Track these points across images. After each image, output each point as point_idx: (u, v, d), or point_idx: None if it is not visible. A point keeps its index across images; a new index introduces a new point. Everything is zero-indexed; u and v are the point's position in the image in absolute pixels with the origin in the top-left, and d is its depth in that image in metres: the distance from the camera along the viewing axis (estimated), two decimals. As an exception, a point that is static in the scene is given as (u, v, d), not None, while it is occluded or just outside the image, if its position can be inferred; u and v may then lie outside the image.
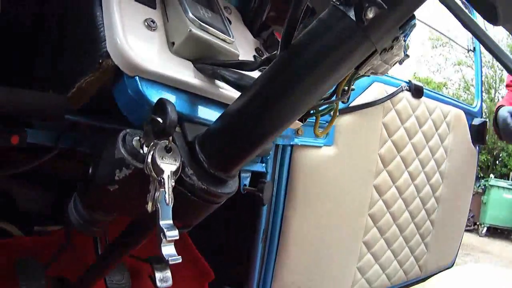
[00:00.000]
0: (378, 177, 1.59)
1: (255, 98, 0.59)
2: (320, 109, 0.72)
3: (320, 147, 1.37)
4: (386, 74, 0.66)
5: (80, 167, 1.11)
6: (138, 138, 0.62)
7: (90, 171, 0.66)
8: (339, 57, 0.53)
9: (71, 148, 0.86)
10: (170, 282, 1.28)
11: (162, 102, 0.60)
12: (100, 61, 0.66)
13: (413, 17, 0.53)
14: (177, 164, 0.60)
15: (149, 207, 0.59)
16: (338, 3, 0.51)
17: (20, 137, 0.76)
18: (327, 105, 0.72)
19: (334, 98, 0.69)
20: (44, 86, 0.75)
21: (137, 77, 0.66)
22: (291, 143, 1.29)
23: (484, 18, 0.51)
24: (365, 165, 1.52)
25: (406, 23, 0.53)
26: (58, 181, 1.21)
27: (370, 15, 0.48)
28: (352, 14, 0.50)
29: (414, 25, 0.55)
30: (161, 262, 1.30)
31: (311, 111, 0.72)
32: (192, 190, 0.62)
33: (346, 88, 0.69)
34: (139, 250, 1.31)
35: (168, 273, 1.29)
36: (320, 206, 1.41)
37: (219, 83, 0.76)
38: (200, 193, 0.62)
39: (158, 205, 0.58)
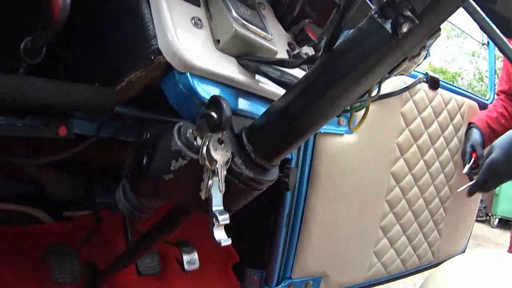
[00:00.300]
0: (396, 165, 1.64)
1: (300, 96, 0.64)
2: (354, 105, 0.78)
3: (342, 134, 1.42)
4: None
5: (111, 154, 1.15)
6: (191, 130, 0.67)
7: (144, 161, 0.71)
8: (375, 62, 0.59)
9: (111, 137, 0.91)
10: (197, 265, 1.34)
11: (216, 99, 0.64)
12: (152, 57, 0.69)
13: (440, 29, 0.59)
14: (229, 154, 0.65)
15: (203, 194, 0.64)
16: (376, 16, 0.57)
17: (67, 129, 0.80)
18: (360, 103, 0.78)
19: (366, 96, 0.75)
20: (91, 80, 0.77)
21: (188, 73, 0.70)
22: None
23: (500, 31, 0.57)
24: (383, 153, 1.58)
25: (434, 33, 0.58)
26: (85, 167, 1.24)
27: (404, 29, 0.54)
28: (388, 27, 0.55)
29: (440, 34, 0.60)
30: (188, 245, 1.35)
31: (347, 107, 0.78)
32: (240, 178, 0.67)
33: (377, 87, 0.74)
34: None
35: (195, 256, 1.35)
36: (341, 191, 1.47)
37: (261, 78, 0.81)
38: (247, 180, 0.68)
39: (211, 193, 0.63)
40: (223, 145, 0.65)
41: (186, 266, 1.32)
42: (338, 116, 1.38)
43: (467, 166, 1.81)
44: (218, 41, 0.77)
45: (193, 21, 0.74)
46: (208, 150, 0.63)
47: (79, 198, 1.29)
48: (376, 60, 0.58)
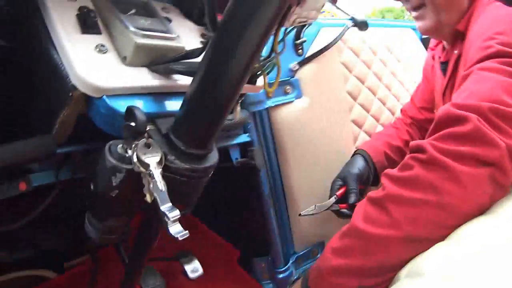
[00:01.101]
0: (353, 112, 1.68)
1: (204, 77, 0.69)
2: (264, 68, 0.82)
3: (292, 101, 1.45)
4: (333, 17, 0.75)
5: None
6: (121, 145, 0.72)
7: (91, 187, 0.76)
8: (259, 20, 0.62)
9: (71, 178, 0.95)
10: (200, 270, 1.39)
11: (129, 109, 0.70)
12: (70, 94, 0.75)
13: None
14: (159, 155, 0.70)
15: (148, 198, 0.69)
16: None
17: (27, 183, 0.86)
18: (270, 63, 0.82)
19: (273, 55, 0.79)
20: (30, 132, 0.82)
21: (104, 97, 0.75)
22: (266, 106, 1.37)
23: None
24: (338, 105, 1.61)
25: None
26: (68, 216, 1.28)
27: None
28: None
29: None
30: (187, 255, 1.39)
31: (258, 73, 0.82)
32: (179, 172, 0.72)
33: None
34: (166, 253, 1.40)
35: (196, 263, 1.40)
36: (311, 153, 1.50)
37: (175, 76, 0.85)
38: (186, 172, 0.72)
39: (155, 194, 0.68)
40: (151, 148, 0.70)
41: (190, 275, 1.36)
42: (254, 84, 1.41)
43: (324, 204, 1.41)
44: (125, 57, 0.81)
45: (97, 49, 0.79)
46: (138, 156, 0.68)
47: (72, 246, 1.33)
48: (258, 17, 0.62)
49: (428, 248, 0.84)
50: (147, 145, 0.69)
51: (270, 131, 1.42)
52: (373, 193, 0.93)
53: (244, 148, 1.31)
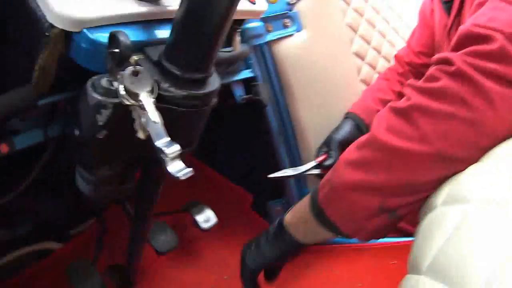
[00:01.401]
0: (354, 44, 1.61)
1: None
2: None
3: (292, 34, 1.39)
4: None
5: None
6: (105, 78, 0.64)
7: (76, 133, 0.68)
8: None
9: (64, 135, 0.88)
10: (213, 220, 1.32)
11: (112, 35, 0.62)
12: (47, 34, 0.67)
13: None
14: (150, 82, 0.62)
15: (141, 134, 0.61)
16: None
17: (9, 144, 0.79)
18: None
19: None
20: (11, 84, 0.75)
21: (84, 30, 0.68)
22: (266, 40, 1.31)
23: None
24: (338, 37, 1.54)
25: None
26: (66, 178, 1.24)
27: None
28: None
29: None
30: (197, 205, 1.33)
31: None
32: (176, 101, 0.65)
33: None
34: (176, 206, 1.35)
35: (208, 212, 1.32)
36: (315, 87, 1.44)
37: (164, 2, 0.77)
38: (183, 101, 0.65)
39: (149, 129, 0.60)
40: (139, 76, 0.61)
41: (203, 226, 1.30)
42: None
43: (301, 167, 1.35)
44: None
45: None
46: (125, 87, 0.60)
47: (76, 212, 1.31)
48: None
49: (459, 171, 0.75)
50: (135, 73, 0.61)
51: (273, 66, 1.36)
52: (395, 103, 0.83)
53: (248, 84, 1.26)
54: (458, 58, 0.74)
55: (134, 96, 0.60)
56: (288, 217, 0.95)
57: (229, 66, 1.18)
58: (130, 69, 0.61)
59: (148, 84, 0.61)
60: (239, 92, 1.24)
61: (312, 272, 1.35)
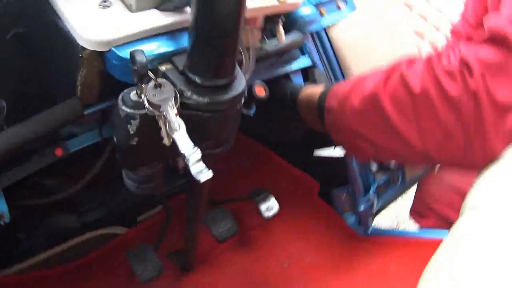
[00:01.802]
0: (411, 22, 1.54)
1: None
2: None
3: (347, 18, 1.35)
4: None
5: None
6: (135, 91, 0.69)
7: (114, 139, 0.76)
8: None
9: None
10: (276, 208, 1.35)
11: (131, 54, 0.67)
12: (81, 55, 0.74)
13: None
14: (171, 94, 0.65)
15: (166, 141, 0.66)
16: None
17: (63, 148, 0.88)
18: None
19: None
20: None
21: (112, 48, 0.73)
22: (323, 26, 1.29)
23: None
24: (394, 15, 1.49)
25: None
26: None
27: None
28: None
29: None
30: (262, 192, 1.36)
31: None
32: (199, 108, 0.68)
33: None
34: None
35: (272, 201, 1.36)
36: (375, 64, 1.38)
37: (188, 9, 0.78)
38: (206, 107, 0.69)
39: (173, 136, 0.64)
40: (162, 87, 0.66)
41: (265, 214, 1.32)
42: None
43: None
44: (131, 5, 0.77)
45: (100, 6, 0.76)
46: (148, 99, 0.65)
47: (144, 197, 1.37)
48: None
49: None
50: (157, 85, 0.66)
51: (332, 51, 1.33)
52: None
53: (301, 70, 1.25)
54: (478, 71, 0.74)
55: (156, 107, 0.64)
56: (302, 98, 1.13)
57: (281, 56, 1.18)
58: (152, 83, 0.66)
59: (170, 95, 0.65)
60: (298, 81, 1.23)
61: (369, 267, 1.34)
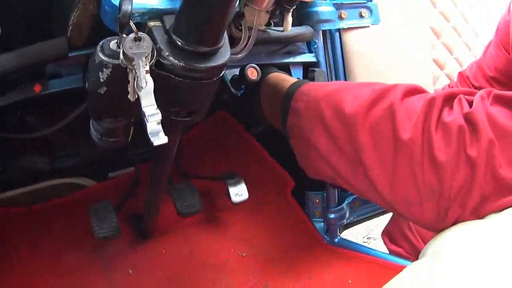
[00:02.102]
0: (434, 50, 1.50)
1: None
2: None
3: (367, 26, 1.33)
4: None
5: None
6: (115, 41, 0.67)
7: (85, 84, 0.76)
8: None
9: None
10: (245, 195, 1.33)
11: (119, 2, 0.64)
12: None
13: None
14: (147, 50, 0.63)
15: (131, 96, 0.64)
16: None
17: (42, 85, 0.87)
18: None
19: None
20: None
21: None
22: (337, 27, 1.27)
23: None
24: (419, 39, 1.44)
25: None
26: None
27: None
28: None
29: None
30: (234, 177, 1.34)
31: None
32: (172, 70, 0.66)
33: None
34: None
35: (242, 186, 1.34)
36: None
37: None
38: (180, 71, 0.66)
39: (139, 93, 0.62)
40: (140, 42, 0.64)
41: (233, 199, 1.31)
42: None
43: None
44: None
45: None
46: (123, 50, 0.62)
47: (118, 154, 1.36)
48: None
49: None
50: (137, 39, 0.63)
51: (341, 55, 1.31)
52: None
53: (306, 67, 1.23)
54: (487, 136, 0.63)
55: (130, 60, 0.62)
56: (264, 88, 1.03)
57: (286, 46, 1.17)
58: (132, 35, 0.63)
59: (146, 50, 0.63)
60: (297, 75, 1.21)
61: (327, 276, 1.34)
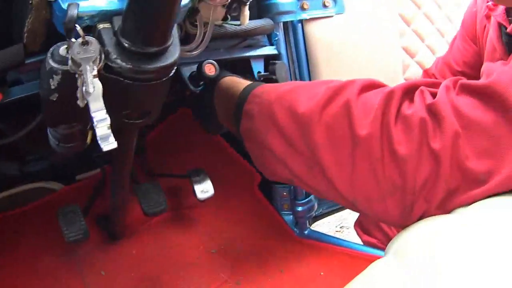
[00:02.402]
0: (404, 38, 1.48)
1: None
2: None
3: (331, 16, 1.31)
4: None
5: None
6: (65, 46, 0.66)
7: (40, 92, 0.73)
8: None
9: None
10: (211, 192, 1.33)
11: (67, 7, 0.64)
12: (30, 1, 0.71)
13: None
14: (94, 54, 0.62)
15: (80, 102, 0.62)
16: None
17: (4, 93, 0.85)
18: None
19: None
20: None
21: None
22: (298, 18, 1.26)
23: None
24: (387, 27, 1.43)
25: None
26: None
27: None
28: None
29: None
30: (200, 174, 1.33)
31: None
32: (120, 73, 0.65)
33: None
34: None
35: (208, 183, 1.33)
36: (349, 75, 1.29)
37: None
38: (129, 73, 0.65)
39: (88, 98, 0.61)
40: (88, 46, 0.63)
41: (199, 196, 1.31)
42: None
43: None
44: None
45: None
46: (71, 56, 0.62)
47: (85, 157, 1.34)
48: None
49: None
50: (84, 43, 0.62)
51: (304, 46, 1.30)
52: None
53: (267, 59, 1.22)
54: (452, 127, 0.62)
55: (77, 65, 0.61)
56: (218, 91, 1.00)
57: (244, 40, 1.16)
58: (80, 40, 0.62)
59: (94, 54, 0.62)
60: (258, 68, 1.20)
61: (298, 269, 1.34)
